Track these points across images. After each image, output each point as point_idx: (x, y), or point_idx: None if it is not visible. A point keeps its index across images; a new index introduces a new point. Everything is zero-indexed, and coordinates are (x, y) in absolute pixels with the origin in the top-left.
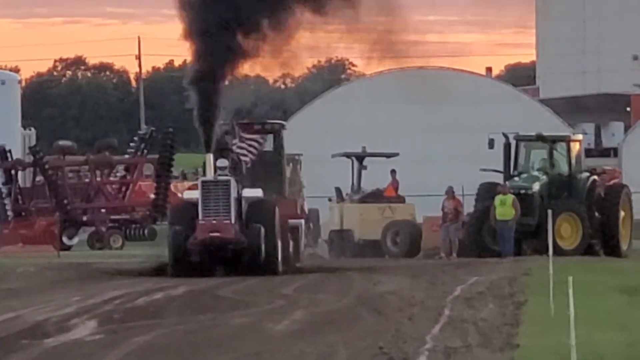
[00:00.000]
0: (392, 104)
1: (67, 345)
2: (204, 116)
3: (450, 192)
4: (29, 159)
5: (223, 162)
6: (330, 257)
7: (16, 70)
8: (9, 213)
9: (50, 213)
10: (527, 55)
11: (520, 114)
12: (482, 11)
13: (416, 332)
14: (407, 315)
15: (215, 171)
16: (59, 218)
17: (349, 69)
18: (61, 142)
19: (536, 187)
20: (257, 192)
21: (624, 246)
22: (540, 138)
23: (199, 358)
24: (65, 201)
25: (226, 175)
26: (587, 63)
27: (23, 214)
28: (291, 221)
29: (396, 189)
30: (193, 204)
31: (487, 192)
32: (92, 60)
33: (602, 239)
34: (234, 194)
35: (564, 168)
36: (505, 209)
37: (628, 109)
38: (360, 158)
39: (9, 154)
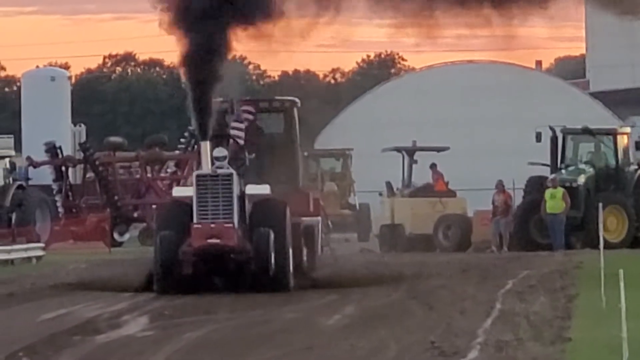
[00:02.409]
0: (442, 97)
1: (118, 342)
2: (197, 96)
3: (500, 186)
4: (79, 155)
5: (221, 152)
6: (381, 251)
7: (66, 67)
8: (60, 210)
9: (101, 209)
10: (577, 49)
11: (570, 107)
12: (532, 4)
13: (468, 326)
14: (459, 309)
15: (212, 163)
16: (109, 214)
17: (399, 63)
18: (111, 139)
19: (581, 180)
20: (264, 189)
21: None
22: (586, 131)
23: (250, 353)
24: (116, 197)
25: (227, 167)
26: (636, 56)
27: (74, 210)
28: (305, 220)
29: (446, 183)
30: (186, 204)
31: (536, 185)
32: (142, 56)
33: None
34: (236, 190)
35: (611, 161)
36: (555, 202)
37: None
38: (410, 152)
39: (59, 151)
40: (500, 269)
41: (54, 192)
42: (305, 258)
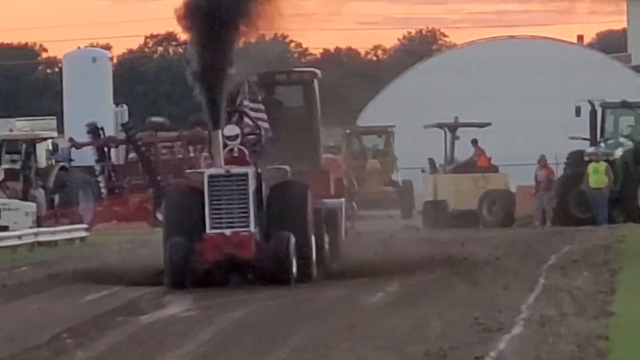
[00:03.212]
0: (484, 73)
1: (161, 322)
2: (206, 73)
3: (542, 161)
4: (122, 136)
5: (233, 130)
6: (424, 228)
7: (107, 47)
8: (103, 190)
9: (143, 190)
10: (618, 23)
11: (612, 81)
12: None
13: (511, 301)
14: (502, 285)
15: (225, 146)
16: (152, 194)
17: (440, 39)
18: (153, 119)
19: (619, 153)
20: (283, 173)
21: None
22: (625, 105)
23: (293, 331)
24: (159, 177)
25: (240, 150)
26: None
27: (116, 191)
28: (328, 202)
29: (488, 159)
30: (199, 193)
31: (577, 160)
32: (183, 36)
33: None
34: (252, 187)
35: None
36: (598, 176)
37: None
38: (452, 128)
39: (101, 132)
40: (543, 244)
41: (97, 173)
42: (327, 246)
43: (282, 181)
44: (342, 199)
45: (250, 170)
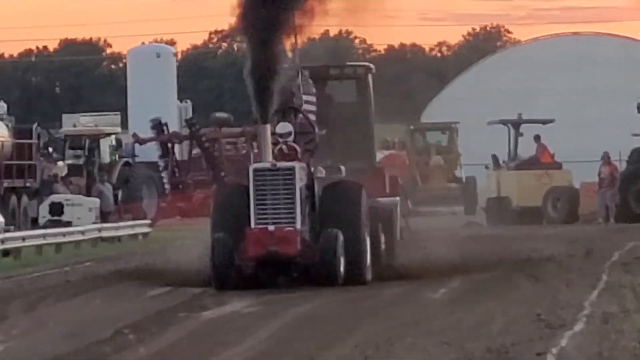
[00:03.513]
0: (548, 70)
1: (223, 318)
2: (256, 68)
3: (606, 158)
4: (185, 131)
5: (285, 127)
6: (487, 224)
7: (172, 43)
8: (166, 186)
9: (207, 185)
10: None
11: None
12: None
13: (574, 298)
14: (565, 281)
15: (276, 144)
16: None
17: (505, 35)
18: (217, 114)
19: None
20: (339, 171)
21: None
22: None
23: (356, 327)
24: (223, 173)
25: (291, 147)
26: None
27: (180, 187)
28: (382, 201)
29: (552, 155)
30: (247, 189)
31: (639, 156)
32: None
33: None
34: (300, 183)
35: None
36: None
37: None
38: (516, 125)
39: (165, 127)
40: (606, 241)
41: (160, 168)
42: (383, 246)
43: (335, 180)
44: (398, 198)
45: (297, 165)
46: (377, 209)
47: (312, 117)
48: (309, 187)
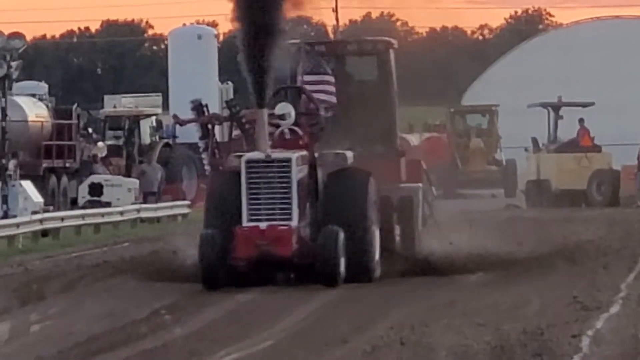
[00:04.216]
0: (589, 53)
1: (260, 299)
2: (250, 43)
3: None
4: (226, 113)
5: (285, 108)
6: (527, 207)
7: (214, 24)
8: (206, 168)
9: None
10: None
11: None
12: None
13: (611, 280)
14: (602, 264)
15: (277, 127)
16: None
17: (546, 19)
18: None
19: None
20: (342, 158)
21: None
22: None
23: (392, 307)
24: None
25: (294, 132)
26: None
27: (220, 168)
28: (402, 187)
29: (592, 138)
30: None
31: None
32: (289, 14)
33: None
34: (298, 175)
35: None
36: None
37: None
38: (556, 108)
39: (205, 109)
40: None
41: (200, 149)
42: (398, 239)
43: (340, 168)
44: (419, 184)
45: (294, 156)
46: (391, 199)
47: (324, 97)
48: (311, 176)
